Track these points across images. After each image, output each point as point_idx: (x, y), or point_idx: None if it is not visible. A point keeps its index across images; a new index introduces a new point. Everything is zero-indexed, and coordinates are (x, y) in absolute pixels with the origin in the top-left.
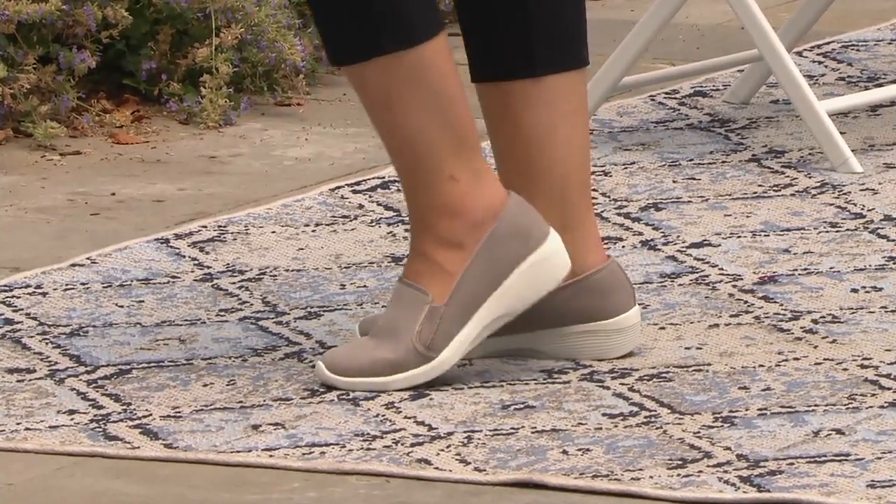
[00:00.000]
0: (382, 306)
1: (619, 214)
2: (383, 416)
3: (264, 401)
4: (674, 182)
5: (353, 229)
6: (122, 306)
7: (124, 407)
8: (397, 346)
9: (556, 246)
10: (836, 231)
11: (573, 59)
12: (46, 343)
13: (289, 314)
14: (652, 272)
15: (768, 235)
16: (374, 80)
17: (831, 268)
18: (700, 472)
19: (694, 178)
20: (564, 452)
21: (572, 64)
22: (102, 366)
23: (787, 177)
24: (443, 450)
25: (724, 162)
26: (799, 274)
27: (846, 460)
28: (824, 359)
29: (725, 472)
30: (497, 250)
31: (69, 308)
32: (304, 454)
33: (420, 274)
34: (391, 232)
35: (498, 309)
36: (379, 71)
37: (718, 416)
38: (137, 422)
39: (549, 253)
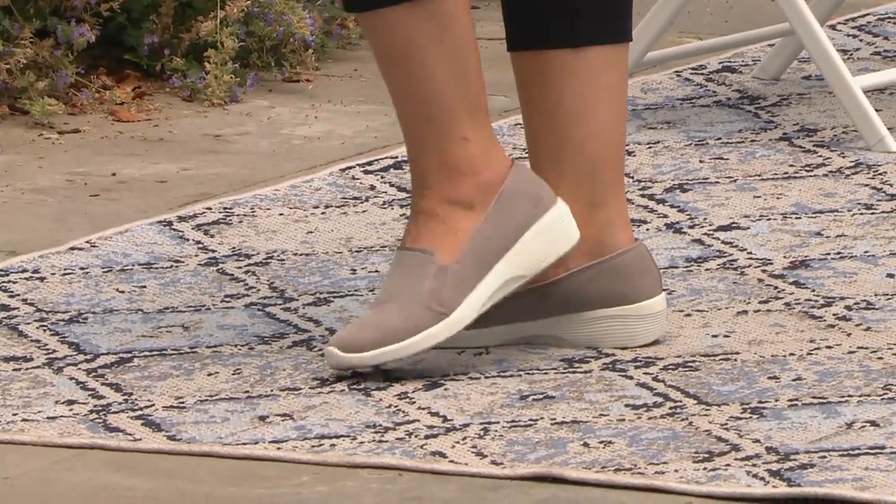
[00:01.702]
0: None
1: (643, 196)
2: (396, 406)
3: (271, 391)
4: (700, 162)
5: (364, 211)
6: (122, 292)
7: (125, 397)
8: (403, 309)
9: (565, 210)
10: (871, 213)
11: (616, 33)
12: (44, 330)
13: (297, 300)
14: (677, 256)
15: (800, 218)
16: (398, 28)
17: (866, 252)
18: (727, 465)
19: (722, 158)
20: (585, 445)
21: (615, 37)
22: (102, 354)
23: (820, 156)
24: (458, 442)
25: (753, 141)
26: (832, 258)
27: (881, 453)
28: (858, 347)
29: (754, 465)
30: (509, 210)
31: (68, 294)
32: (313, 447)
33: (423, 236)
34: (404, 214)
35: (512, 269)
36: (404, 18)
37: (747, 407)
38: (139, 413)
39: (560, 216)
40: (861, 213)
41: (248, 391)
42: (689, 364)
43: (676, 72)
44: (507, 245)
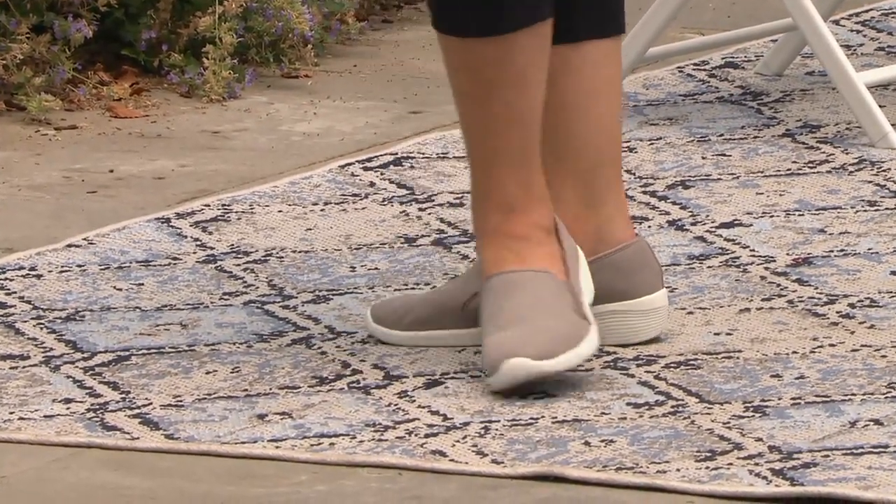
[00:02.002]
0: (395, 290)
1: (644, 193)
2: (396, 405)
3: (270, 389)
4: (703, 158)
5: (363, 208)
6: (120, 289)
7: (123, 395)
8: (562, 318)
9: (666, 303)
10: (875, 210)
11: (613, 26)
12: (41, 328)
13: (296, 298)
14: (679, 254)
15: (803, 215)
16: (521, 52)
17: (869, 249)
18: (730, 464)
19: (724, 155)
20: (587, 444)
21: (612, 30)
22: (100, 352)
23: (823, 153)
24: (458, 441)
25: (756, 137)
26: (835, 255)
27: (885, 452)
28: (861, 345)
29: (757, 464)
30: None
31: (65, 291)
32: (312, 445)
33: (528, 258)
34: (404, 211)
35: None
36: (529, 41)
37: (749, 405)
38: (137, 411)
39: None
40: (865, 210)
41: (246, 389)
42: (692, 362)
43: (678, 68)
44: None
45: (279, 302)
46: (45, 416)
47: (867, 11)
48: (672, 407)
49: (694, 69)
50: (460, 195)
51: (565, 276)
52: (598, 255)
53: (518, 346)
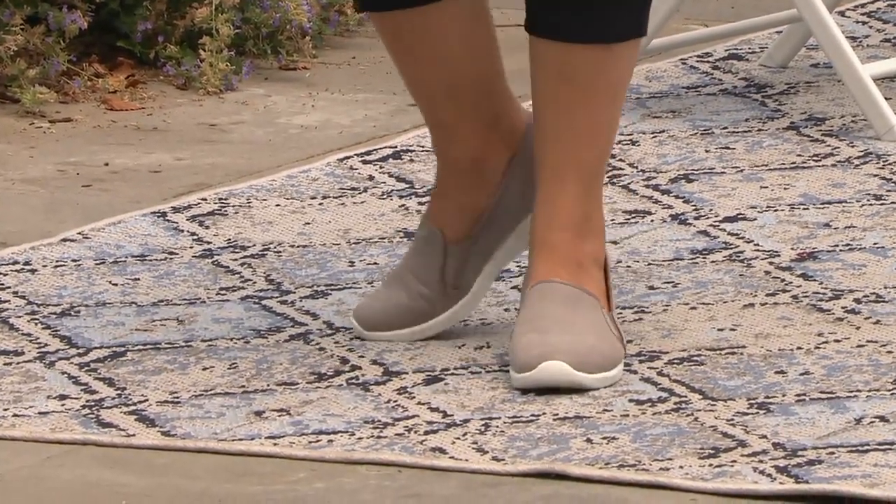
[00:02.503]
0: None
1: (647, 186)
2: (395, 401)
3: (268, 385)
4: (706, 152)
5: (362, 202)
6: (116, 284)
7: (119, 392)
8: (603, 338)
9: None
10: (881, 204)
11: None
12: (35, 323)
13: (294, 293)
14: (682, 248)
15: (807, 209)
16: (623, 65)
17: (875, 243)
18: (734, 461)
19: (728, 148)
20: (588, 441)
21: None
22: (95, 348)
23: (828, 146)
24: (459, 438)
25: (760, 130)
26: (840, 250)
27: (891, 449)
28: (867, 341)
29: (761, 461)
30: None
31: (59, 286)
32: (310, 442)
33: (559, 271)
34: (403, 205)
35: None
36: (630, 54)
37: (753, 402)
38: (133, 408)
39: None
40: (870, 204)
41: (243, 386)
42: (695, 358)
43: (682, 59)
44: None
45: (277, 297)
46: (39, 413)
47: (873, 2)
48: (675, 403)
49: (697, 61)
50: None
51: (608, 309)
52: (512, 156)
53: (559, 351)
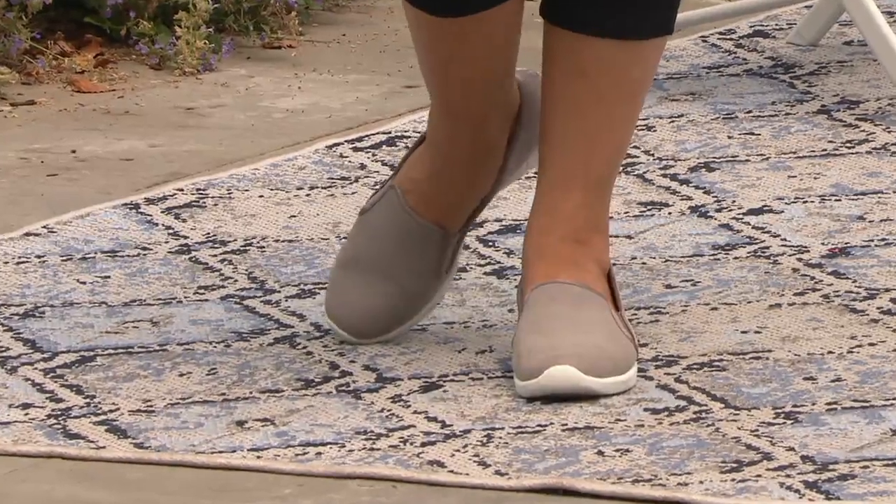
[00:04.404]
0: None
1: (664, 176)
2: (389, 410)
3: (251, 393)
4: (729, 138)
5: (353, 193)
6: (84, 283)
7: (87, 400)
8: (613, 340)
9: None
10: None
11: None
12: None
13: (279, 292)
14: (703, 243)
15: (840, 200)
16: (652, 61)
17: None
18: (758, 476)
19: (752, 134)
20: (600, 453)
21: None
22: (62, 352)
23: (863, 131)
24: (458, 450)
25: (787, 114)
26: (875, 245)
27: None
28: None
29: (788, 476)
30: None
31: (23, 285)
32: (297, 455)
33: (561, 271)
34: None
35: None
36: (655, 53)
37: (780, 411)
38: (103, 417)
39: None
40: None
41: (224, 393)
42: (716, 363)
43: (702, 37)
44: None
45: (260, 297)
46: (1, 423)
47: None
48: (694, 413)
49: (719, 38)
50: None
51: (616, 309)
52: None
53: (566, 354)
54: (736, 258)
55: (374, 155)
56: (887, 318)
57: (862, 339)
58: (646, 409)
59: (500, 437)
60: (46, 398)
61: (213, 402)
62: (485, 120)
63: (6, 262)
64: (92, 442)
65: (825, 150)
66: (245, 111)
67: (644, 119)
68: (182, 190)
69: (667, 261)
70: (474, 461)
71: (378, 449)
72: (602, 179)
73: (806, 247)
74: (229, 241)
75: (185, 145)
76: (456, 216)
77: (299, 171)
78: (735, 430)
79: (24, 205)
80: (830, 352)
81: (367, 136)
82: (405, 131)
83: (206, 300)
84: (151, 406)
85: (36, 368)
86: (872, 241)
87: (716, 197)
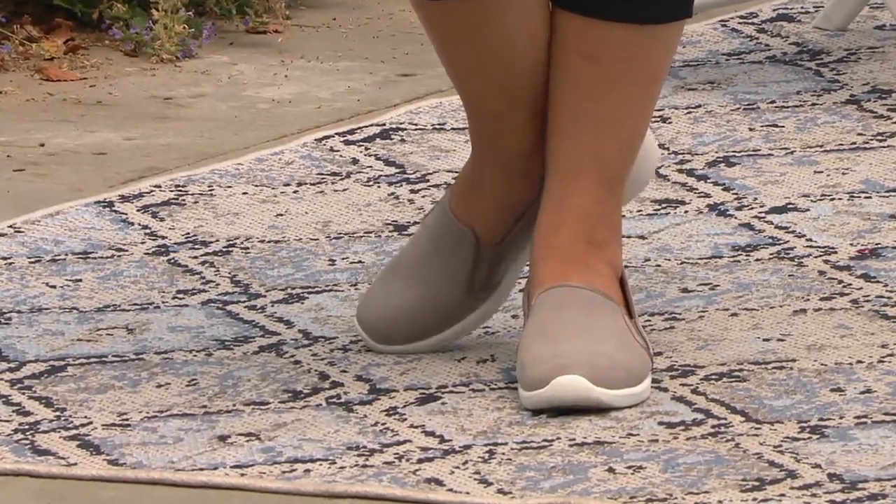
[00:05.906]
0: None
1: (680, 171)
2: (383, 424)
3: (234, 405)
4: (750, 130)
5: (344, 190)
6: (54, 287)
7: (58, 413)
8: (626, 349)
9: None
10: None
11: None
12: None
13: (264, 297)
14: (722, 244)
15: (870, 197)
16: (669, 47)
17: None
18: (782, 495)
19: (776, 126)
20: (610, 470)
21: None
22: (30, 361)
23: (895, 123)
24: (458, 467)
25: (814, 104)
26: None
27: None
28: None
29: (814, 495)
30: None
31: None
32: (284, 472)
33: (572, 275)
34: (393, 193)
35: None
36: (672, 39)
37: (805, 425)
38: (74, 432)
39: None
40: None
41: (205, 406)
42: (736, 374)
43: (722, 21)
44: None
45: (244, 302)
46: None
47: None
48: (713, 427)
49: (740, 23)
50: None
51: (630, 316)
52: None
53: (574, 364)
54: (758, 260)
55: (366, 149)
56: None
57: (894, 348)
58: (660, 423)
59: (503, 453)
60: (13, 411)
61: (194, 415)
62: (519, 123)
63: None
64: (62, 458)
65: (854, 143)
66: (227, 101)
67: (659, 110)
68: (159, 186)
69: (683, 263)
70: (475, 479)
71: (371, 466)
72: (615, 173)
73: (833, 248)
74: (211, 242)
75: (163, 138)
76: (492, 225)
77: (286, 166)
78: (756, 446)
79: None
80: (860, 361)
81: (359, 128)
82: (400, 123)
83: (186, 305)
84: (127, 420)
85: (2, 379)
86: None
87: (736, 194)
